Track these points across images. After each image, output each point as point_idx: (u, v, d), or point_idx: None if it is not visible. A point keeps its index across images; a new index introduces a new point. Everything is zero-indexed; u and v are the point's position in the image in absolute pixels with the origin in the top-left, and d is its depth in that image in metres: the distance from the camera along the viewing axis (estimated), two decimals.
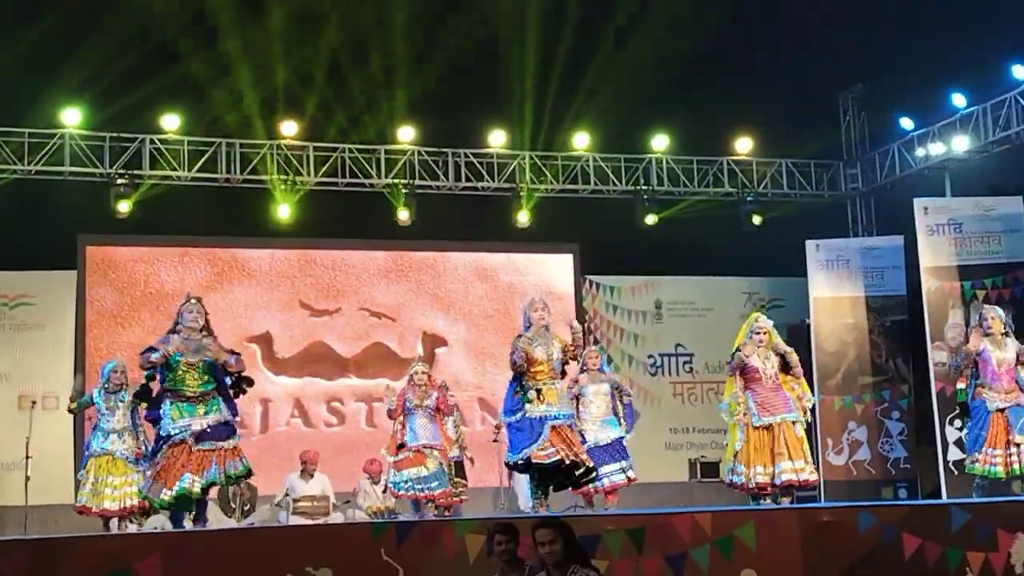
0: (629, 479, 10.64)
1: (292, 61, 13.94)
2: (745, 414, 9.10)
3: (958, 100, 14.37)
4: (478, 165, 15.18)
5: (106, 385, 10.12)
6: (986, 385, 9.43)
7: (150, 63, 13.64)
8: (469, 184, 15.16)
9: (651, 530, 6.98)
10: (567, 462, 8.29)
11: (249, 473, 8.16)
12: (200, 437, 7.88)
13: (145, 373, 8.04)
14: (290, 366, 14.92)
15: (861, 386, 14.70)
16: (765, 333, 9.22)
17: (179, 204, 14.47)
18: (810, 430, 14.49)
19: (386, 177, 14.83)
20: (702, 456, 15.34)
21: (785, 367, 9.26)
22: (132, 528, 10.06)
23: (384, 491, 11.50)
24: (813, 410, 14.12)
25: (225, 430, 8.03)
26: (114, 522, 9.99)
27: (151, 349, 7.92)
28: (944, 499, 12.08)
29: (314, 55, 14.00)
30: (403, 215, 14.76)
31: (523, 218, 15.15)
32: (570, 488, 9.23)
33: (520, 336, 8.47)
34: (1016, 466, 9.28)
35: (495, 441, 11.93)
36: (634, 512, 8.08)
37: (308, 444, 13.70)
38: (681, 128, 15.51)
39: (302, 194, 14.58)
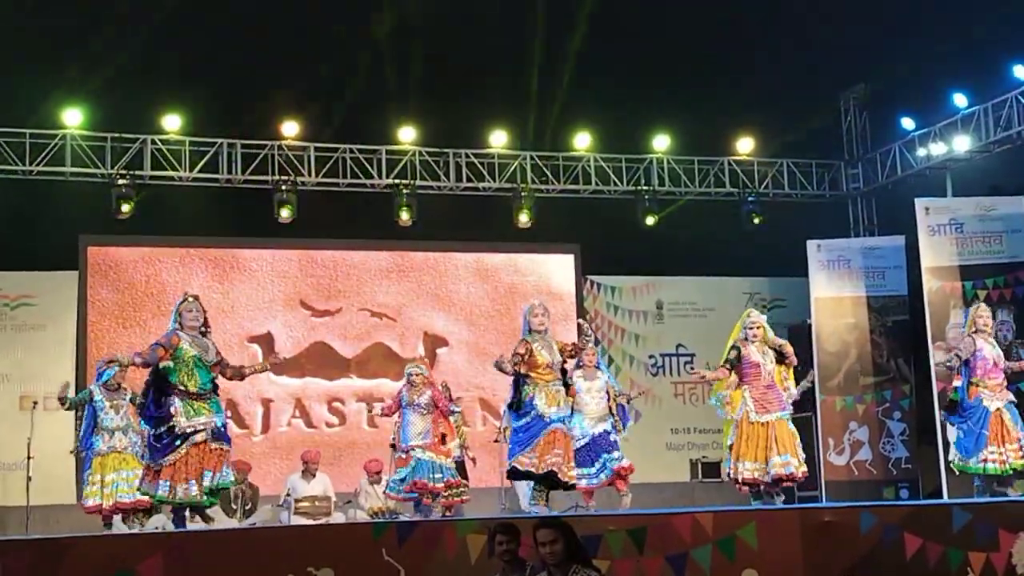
0: (625, 467, 10.55)
1: (296, 60, 13.94)
2: (741, 409, 9.14)
3: (959, 100, 14.37)
4: (479, 165, 15.18)
5: (107, 383, 10.11)
6: (981, 384, 9.46)
7: (152, 63, 13.66)
8: (470, 184, 15.16)
9: (652, 530, 6.99)
10: (557, 473, 8.45)
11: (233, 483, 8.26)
12: (216, 435, 7.91)
13: (162, 367, 7.90)
14: (291, 366, 14.92)
15: (862, 386, 14.69)
16: (759, 328, 9.25)
17: (180, 205, 14.48)
18: (811, 430, 14.61)
19: (387, 177, 14.84)
20: (703, 456, 15.35)
21: (780, 358, 9.30)
22: (135, 528, 10.05)
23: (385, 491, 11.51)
24: (814, 410, 14.28)
25: (226, 433, 8.07)
26: (118, 521, 9.99)
27: (159, 345, 7.87)
28: (945, 499, 12.08)
29: (320, 54, 14.00)
30: (404, 215, 14.76)
31: (524, 218, 15.14)
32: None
33: (522, 340, 8.63)
34: (1014, 462, 9.33)
35: (497, 441, 11.92)
36: (635, 512, 8.08)
37: (309, 444, 13.73)
38: (682, 128, 15.51)
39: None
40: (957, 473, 9.82)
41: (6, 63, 12.70)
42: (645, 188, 15.50)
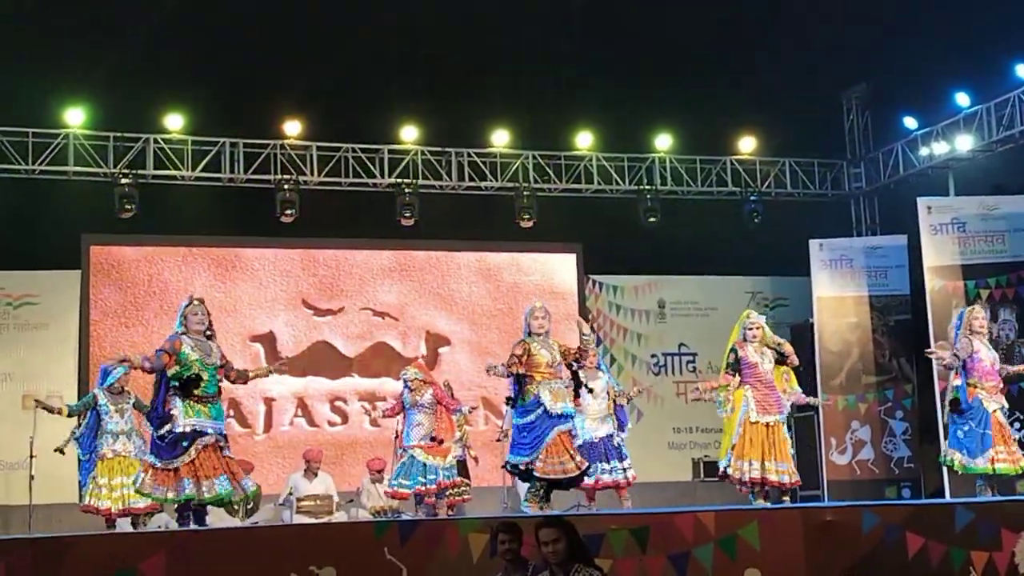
0: (628, 480, 10.61)
1: (298, 59, 13.95)
2: (735, 410, 9.16)
3: (962, 99, 14.36)
4: (481, 165, 15.19)
5: (111, 386, 10.11)
6: (978, 385, 9.48)
7: (154, 62, 13.66)
8: (472, 184, 15.17)
9: (654, 529, 6.99)
10: (565, 478, 8.52)
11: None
12: (222, 441, 7.94)
13: (170, 372, 7.88)
14: (293, 365, 14.93)
15: (864, 385, 14.69)
16: (758, 328, 9.28)
17: (183, 204, 14.48)
18: (813, 429, 14.60)
19: (389, 177, 14.84)
20: (705, 455, 15.34)
21: (780, 359, 9.32)
22: (138, 527, 10.06)
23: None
24: (816, 410, 14.27)
25: (224, 438, 8.08)
26: (127, 521, 10.00)
27: (163, 351, 7.86)
28: (948, 498, 12.07)
29: (322, 53, 14.01)
30: (406, 215, 14.76)
31: (526, 218, 15.14)
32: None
33: (521, 340, 8.70)
34: (1010, 464, 9.35)
35: (499, 440, 11.92)
36: (637, 511, 8.10)
37: (311, 443, 13.74)
38: (684, 127, 15.50)
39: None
40: (960, 474, 9.79)
41: (8, 62, 12.70)
42: (647, 187, 15.49)
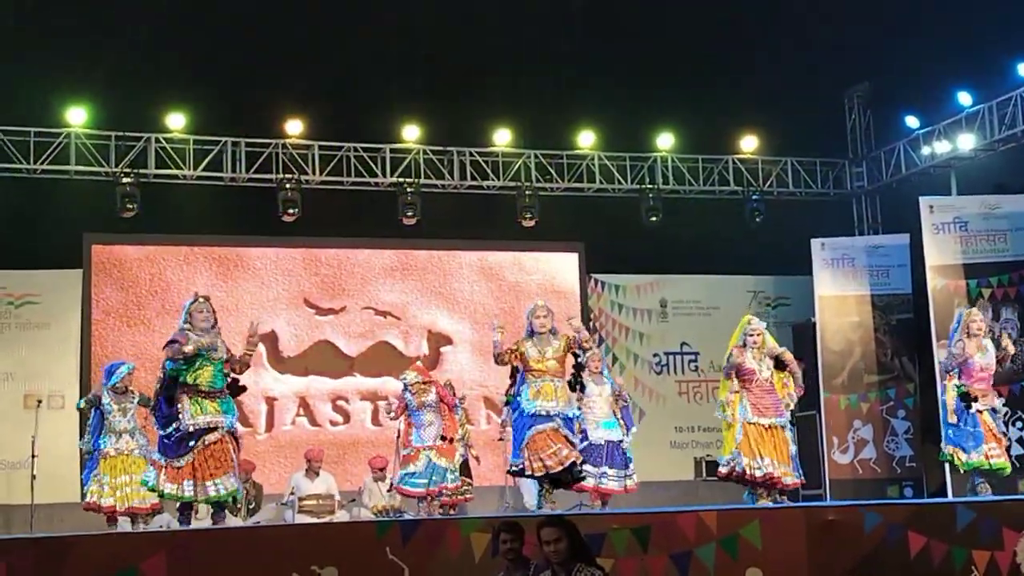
0: (627, 488, 10.65)
1: (300, 59, 13.94)
2: (734, 414, 9.18)
3: (964, 98, 14.35)
4: (483, 164, 15.18)
5: (116, 385, 10.13)
6: (966, 386, 9.59)
7: (156, 61, 13.66)
8: (474, 183, 15.16)
9: (656, 529, 6.99)
10: (551, 472, 8.48)
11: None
12: (230, 437, 7.95)
13: (171, 367, 7.88)
14: (295, 365, 14.94)
15: (867, 385, 14.68)
16: (759, 335, 9.29)
17: (184, 203, 14.48)
18: (815, 428, 14.59)
19: (391, 176, 14.84)
20: (707, 455, 15.32)
21: (780, 366, 9.32)
22: (139, 527, 10.06)
23: (390, 489, 11.51)
24: (818, 409, 14.27)
25: (233, 433, 8.09)
26: (127, 521, 10.00)
27: (175, 341, 7.85)
28: (950, 498, 12.07)
29: (324, 53, 14.01)
30: (408, 214, 14.76)
31: (528, 217, 15.13)
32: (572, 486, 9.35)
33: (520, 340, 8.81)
34: (1000, 461, 9.45)
35: (501, 439, 11.92)
36: (639, 511, 8.09)
37: (313, 443, 13.75)
38: (686, 127, 15.50)
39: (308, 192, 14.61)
40: (962, 471, 9.85)
41: (9, 62, 12.71)
42: (649, 186, 15.48)
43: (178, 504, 8.07)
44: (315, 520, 10.97)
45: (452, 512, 10.71)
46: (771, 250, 15.61)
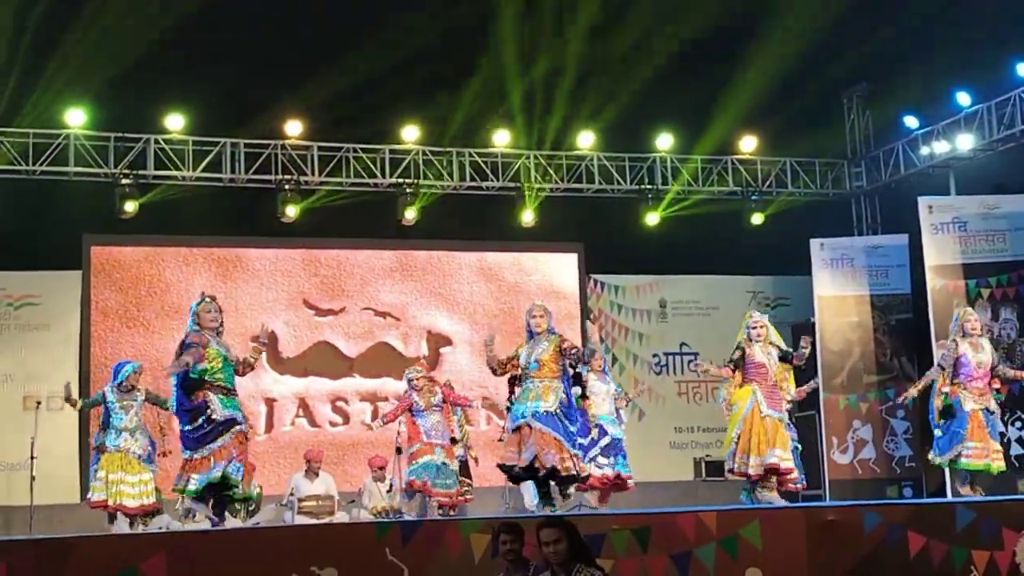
0: (623, 478, 10.68)
1: (299, 59, 13.94)
2: (741, 409, 9.15)
3: (962, 98, 14.35)
4: (482, 164, 15.18)
5: (120, 384, 10.14)
6: (961, 385, 9.62)
7: (155, 62, 13.65)
8: (474, 183, 15.16)
9: (656, 529, 6.99)
10: (535, 465, 8.30)
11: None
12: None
13: (199, 369, 7.88)
14: (295, 366, 14.94)
15: (866, 385, 14.69)
16: (762, 327, 9.29)
17: (184, 204, 14.47)
18: (815, 429, 14.59)
19: (391, 177, 14.84)
20: (707, 455, 15.34)
21: (784, 357, 9.32)
22: (139, 528, 10.07)
23: (389, 490, 11.52)
24: (818, 409, 14.28)
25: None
26: (125, 521, 10.01)
27: (193, 344, 7.85)
28: (949, 498, 12.07)
29: (323, 53, 14.00)
30: (408, 214, 14.77)
31: (528, 217, 15.14)
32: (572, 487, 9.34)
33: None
34: (989, 462, 9.44)
35: (501, 440, 11.92)
36: (639, 511, 8.08)
37: (313, 444, 13.75)
38: (685, 127, 15.50)
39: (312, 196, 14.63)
40: (942, 469, 9.95)
41: (9, 63, 12.71)
42: (648, 187, 15.49)
43: (195, 494, 7.96)
44: (315, 521, 10.97)
45: (452, 513, 10.71)
46: (770, 250, 15.62)
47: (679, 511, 7.48)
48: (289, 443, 14.62)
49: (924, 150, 15.05)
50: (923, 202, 14.09)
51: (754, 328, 9.28)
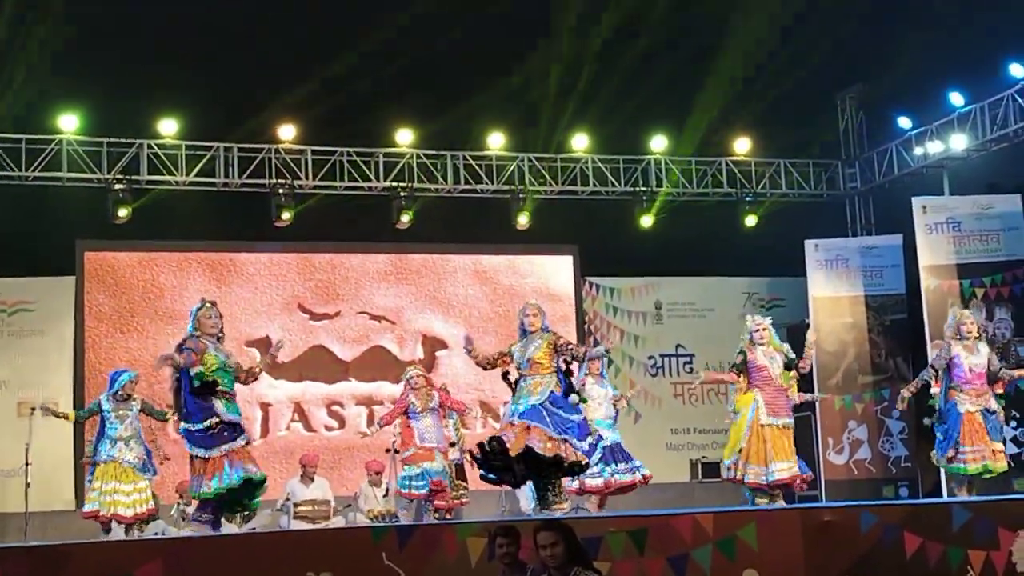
0: (645, 477, 10.76)
1: (292, 63, 13.93)
2: (742, 414, 9.12)
3: (956, 99, 14.37)
4: (477, 167, 15.17)
5: (116, 393, 10.12)
6: (957, 388, 9.59)
7: (148, 67, 13.64)
8: (468, 187, 15.16)
9: (653, 531, 6.98)
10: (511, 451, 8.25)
11: None
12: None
13: (198, 372, 7.85)
14: (290, 370, 14.91)
15: (861, 385, 14.70)
16: (764, 330, 9.24)
17: (177, 209, 14.46)
18: (810, 429, 14.60)
19: (385, 180, 14.84)
20: (703, 457, 15.35)
21: (789, 364, 9.26)
22: (134, 534, 10.05)
23: (385, 494, 11.51)
24: (813, 410, 14.28)
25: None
26: (120, 529, 9.99)
27: (191, 350, 7.82)
28: (945, 498, 12.07)
29: (317, 57, 13.99)
30: (402, 218, 14.76)
31: (522, 220, 15.14)
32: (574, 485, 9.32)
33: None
34: (989, 463, 9.42)
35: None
36: (635, 513, 8.07)
37: (308, 448, 13.72)
38: (680, 129, 15.51)
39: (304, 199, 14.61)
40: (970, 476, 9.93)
41: (1, 69, 12.68)
42: (643, 189, 15.49)
43: (214, 496, 7.89)
44: (311, 526, 10.96)
45: (448, 517, 10.70)
46: (765, 252, 15.63)
47: (676, 513, 7.47)
48: (285, 448, 14.60)
49: (918, 150, 15.07)
50: (917, 202, 14.11)
51: (756, 331, 9.24)
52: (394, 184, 14.80)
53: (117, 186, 13.84)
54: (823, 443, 14.49)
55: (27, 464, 11.65)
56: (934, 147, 14.77)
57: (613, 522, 7.15)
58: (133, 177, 14.00)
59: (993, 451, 9.54)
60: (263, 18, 13.73)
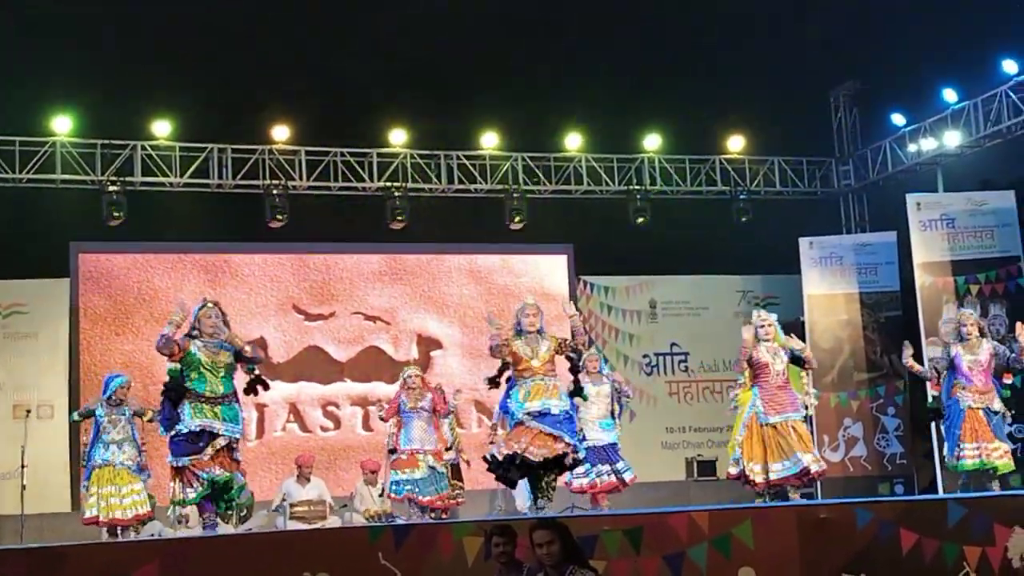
0: (626, 481, 10.68)
1: (286, 64, 13.94)
2: (749, 409, 9.05)
3: (949, 95, 14.39)
4: (470, 167, 15.17)
5: (109, 398, 10.13)
6: (960, 385, 9.56)
7: (141, 69, 13.63)
8: (462, 186, 15.16)
9: (648, 530, 6.98)
10: (530, 459, 8.22)
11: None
12: (235, 444, 7.88)
13: (170, 368, 7.81)
14: (285, 371, 14.90)
15: (856, 382, 14.72)
16: (769, 325, 9.10)
17: (171, 210, 14.45)
18: (806, 427, 14.60)
19: (378, 180, 14.83)
20: (698, 455, 15.36)
21: (795, 360, 9.18)
22: (131, 535, 10.04)
23: (381, 494, 11.50)
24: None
25: (236, 442, 7.98)
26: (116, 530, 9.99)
27: (173, 340, 7.76)
28: (941, 494, 12.09)
29: (310, 58, 14.00)
30: (396, 218, 14.75)
31: (516, 219, 15.14)
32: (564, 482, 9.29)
33: (506, 327, 8.60)
34: (987, 459, 9.38)
35: (492, 443, 11.91)
36: (631, 512, 8.08)
37: (304, 449, 13.71)
38: (673, 127, 15.52)
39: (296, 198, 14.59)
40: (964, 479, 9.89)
41: None
42: (637, 187, 15.50)
43: (189, 503, 7.94)
44: (307, 526, 10.96)
45: (444, 516, 10.69)
46: (759, 250, 15.65)
47: (671, 511, 7.47)
48: (280, 448, 14.59)
49: (911, 147, 15.09)
50: (911, 199, 14.13)
51: (761, 327, 9.11)
52: (388, 184, 14.80)
53: (111, 188, 13.83)
54: (818, 440, 14.48)
55: (23, 466, 11.65)
56: (928, 144, 14.79)
57: (608, 520, 7.16)
58: (127, 179, 13.99)
59: (1000, 450, 9.42)
60: (256, 19, 13.72)
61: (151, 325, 14.27)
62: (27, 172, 13.67)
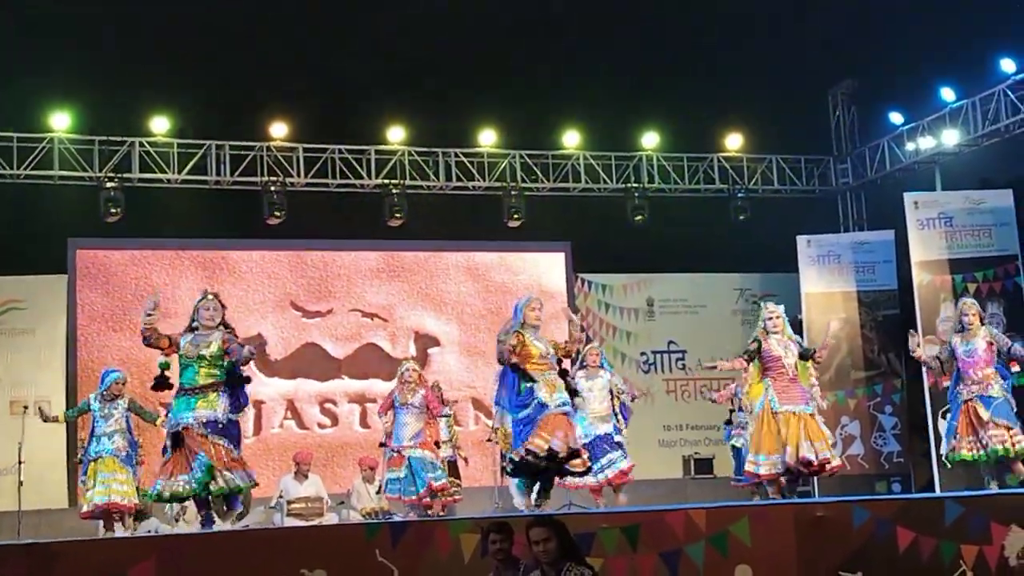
0: (609, 479, 10.62)
1: (284, 61, 13.93)
2: (762, 401, 8.96)
3: (947, 94, 14.40)
4: (468, 165, 15.17)
5: (104, 392, 10.13)
6: (960, 377, 9.52)
7: (139, 65, 13.63)
8: (460, 184, 15.16)
9: (645, 527, 6.98)
10: (560, 453, 8.10)
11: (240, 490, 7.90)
12: (209, 427, 7.74)
13: (160, 361, 7.80)
14: (282, 368, 14.90)
15: (854, 381, 14.73)
16: (778, 317, 9.01)
17: (169, 207, 14.45)
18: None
19: (376, 178, 14.83)
20: (696, 453, 15.36)
21: (804, 354, 9.11)
22: (128, 532, 10.04)
23: (379, 491, 11.49)
24: None
25: (223, 428, 7.83)
26: (118, 524, 9.99)
27: (165, 335, 7.77)
28: (938, 492, 12.10)
29: (308, 55, 13.99)
30: (395, 215, 14.75)
31: (515, 217, 15.14)
32: (567, 480, 9.23)
33: (510, 331, 8.26)
34: (982, 452, 9.34)
35: (490, 440, 11.91)
36: (628, 509, 8.09)
37: (301, 446, 13.72)
38: (671, 125, 15.52)
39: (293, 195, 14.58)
40: (949, 467, 9.88)
41: None
42: (635, 185, 15.50)
43: (160, 500, 7.94)
44: (304, 523, 10.96)
45: (441, 513, 10.69)
46: (757, 248, 15.65)
47: (668, 509, 7.47)
48: (278, 445, 14.59)
49: (909, 146, 15.10)
50: (909, 198, 14.14)
51: (770, 319, 8.99)
52: (386, 181, 14.80)
53: (109, 184, 13.83)
54: None
55: (20, 462, 11.63)
56: (926, 142, 14.80)
57: (606, 518, 7.16)
58: (125, 175, 13.99)
59: (1002, 434, 9.32)
60: (254, 17, 13.72)
61: None
62: (25, 168, 13.67)
